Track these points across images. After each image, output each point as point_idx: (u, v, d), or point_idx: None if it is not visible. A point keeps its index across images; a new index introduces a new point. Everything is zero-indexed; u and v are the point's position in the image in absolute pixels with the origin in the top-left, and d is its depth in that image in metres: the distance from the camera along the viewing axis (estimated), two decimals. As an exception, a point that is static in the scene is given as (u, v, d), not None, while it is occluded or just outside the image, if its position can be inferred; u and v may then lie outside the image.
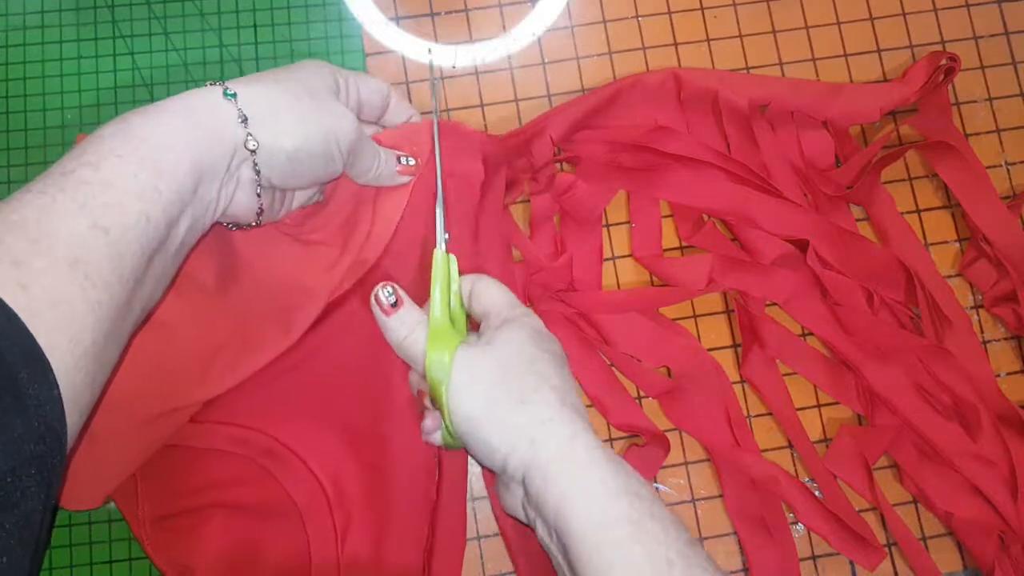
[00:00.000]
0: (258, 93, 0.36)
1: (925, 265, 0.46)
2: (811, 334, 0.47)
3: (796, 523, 0.45)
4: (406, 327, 0.39)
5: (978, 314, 0.48)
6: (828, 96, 0.48)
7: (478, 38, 0.50)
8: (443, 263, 0.40)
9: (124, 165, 0.31)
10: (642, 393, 0.46)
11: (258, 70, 0.49)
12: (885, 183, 0.48)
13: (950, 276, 0.48)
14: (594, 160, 0.47)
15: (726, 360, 0.46)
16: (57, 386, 0.27)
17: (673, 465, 0.45)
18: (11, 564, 0.26)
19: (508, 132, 0.47)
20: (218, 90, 0.35)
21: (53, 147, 0.48)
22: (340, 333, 0.43)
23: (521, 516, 0.37)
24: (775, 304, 0.47)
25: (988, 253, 0.47)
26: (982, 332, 0.47)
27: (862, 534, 0.42)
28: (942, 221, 0.49)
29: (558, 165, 0.48)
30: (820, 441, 0.46)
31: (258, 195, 0.37)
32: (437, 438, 0.40)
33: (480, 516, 0.45)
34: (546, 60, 0.50)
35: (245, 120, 0.35)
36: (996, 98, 0.50)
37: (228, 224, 0.40)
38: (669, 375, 0.46)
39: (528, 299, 0.46)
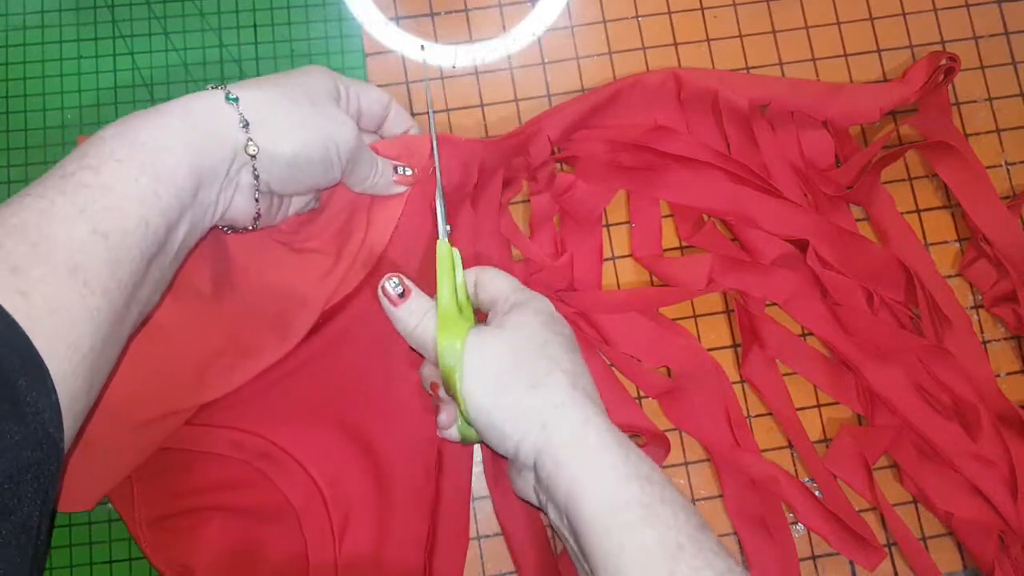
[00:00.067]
0: (259, 98, 0.36)
1: (925, 265, 0.46)
2: (811, 334, 0.47)
3: (796, 523, 0.45)
4: (415, 316, 0.39)
5: (978, 314, 0.48)
6: (828, 96, 0.48)
7: (478, 38, 0.50)
8: (447, 253, 0.40)
9: (125, 169, 0.31)
10: (642, 393, 0.46)
11: (258, 70, 0.49)
12: (885, 183, 0.48)
13: (950, 276, 0.48)
14: (594, 160, 0.47)
15: (726, 360, 0.47)
16: (55, 392, 0.28)
17: (673, 465, 0.45)
18: (9, 570, 0.26)
19: (506, 132, 0.47)
20: (220, 94, 0.35)
21: (53, 147, 0.48)
22: (337, 339, 0.43)
23: (533, 500, 0.37)
24: (775, 304, 0.47)
25: (988, 253, 0.47)
26: (982, 332, 0.47)
27: (862, 534, 0.42)
28: (942, 221, 0.49)
29: (558, 165, 0.48)
30: (820, 441, 0.46)
31: (256, 200, 0.37)
32: (454, 433, 0.40)
33: (480, 516, 0.45)
34: (546, 60, 0.50)
35: (246, 125, 0.35)
36: (996, 98, 0.50)
37: (225, 228, 0.40)
38: (669, 375, 0.46)
39: (528, 299, 0.46)
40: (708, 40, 0.50)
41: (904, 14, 0.51)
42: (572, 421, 0.34)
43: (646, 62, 0.50)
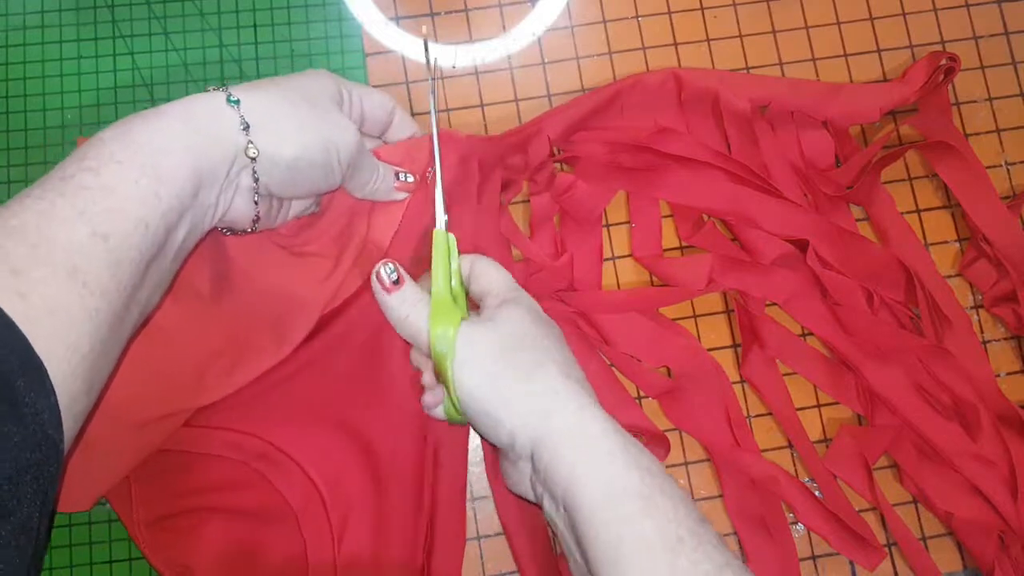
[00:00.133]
0: (260, 100, 0.36)
1: (925, 265, 0.46)
2: (811, 334, 0.47)
3: (796, 523, 0.45)
4: (407, 304, 0.39)
5: (978, 314, 0.48)
6: (828, 96, 0.48)
7: (478, 38, 0.50)
8: (443, 241, 0.40)
9: (125, 171, 0.31)
10: (642, 393, 0.46)
11: (258, 70, 0.49)
12: (885, 183, 0.48)
13: (950, 276, 0.48)
14: (594, 160, 0.47)
15: (726, 360, 0.47)
16: (54, 394, 0.28)
17: (673, 465, 0.45)
18: (9, 571, 0.26)
19: (506, 131, 0.47)
20: (221, 96, 0.35)
21: (53, 147, 0.48)
22: (337, 341, 0.43)
23: (528, 493, 0.37)
24: (775, 304, 0.47)
25: (988, 253, 0.47)
26: (982, 332, 0.47)
27: (862, 534, 0.43)
28: (942, 221, 0.49)
29: (557, 165, 0.48)
30: (820, 441, 0.46)
31: (255, 202, 0.37)
32: (440, 412, 0.40)
33: (480, 516, 0.45)
34: (546, 60, 0.50)
35: (247, 127, 0.35)
36: (996, 98, 0.50)
37: (224, 229, 0.40)
38: (669, 375, 0.46)
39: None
40: (708, 40, 0.50)
41: (904, 14, 0.51)
42: (567, 411, 0.34)
43: (646, 62, 0.50)
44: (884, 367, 0.45)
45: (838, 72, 0.50)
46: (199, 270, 0.40)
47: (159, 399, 0.38)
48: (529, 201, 0.47)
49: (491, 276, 0.40)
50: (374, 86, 0.47)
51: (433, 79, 0.43)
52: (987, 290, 0.47)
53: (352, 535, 0.41)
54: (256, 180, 0.36)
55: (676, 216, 0.48)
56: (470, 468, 0.45)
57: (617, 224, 0.48)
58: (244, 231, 0.39)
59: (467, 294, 0.41)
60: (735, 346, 0.47)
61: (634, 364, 0.46)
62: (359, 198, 0.42)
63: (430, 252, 0.40)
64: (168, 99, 0.35)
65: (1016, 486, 0.43)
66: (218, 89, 0.36)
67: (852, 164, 0.47)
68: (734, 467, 0.44)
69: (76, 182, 0.30)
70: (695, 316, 0.47)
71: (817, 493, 0.44)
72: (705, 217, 0.48)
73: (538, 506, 0.36)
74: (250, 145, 0.35)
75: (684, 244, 0.48)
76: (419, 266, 0.43)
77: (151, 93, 0.49)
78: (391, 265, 0.39)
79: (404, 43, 0.50)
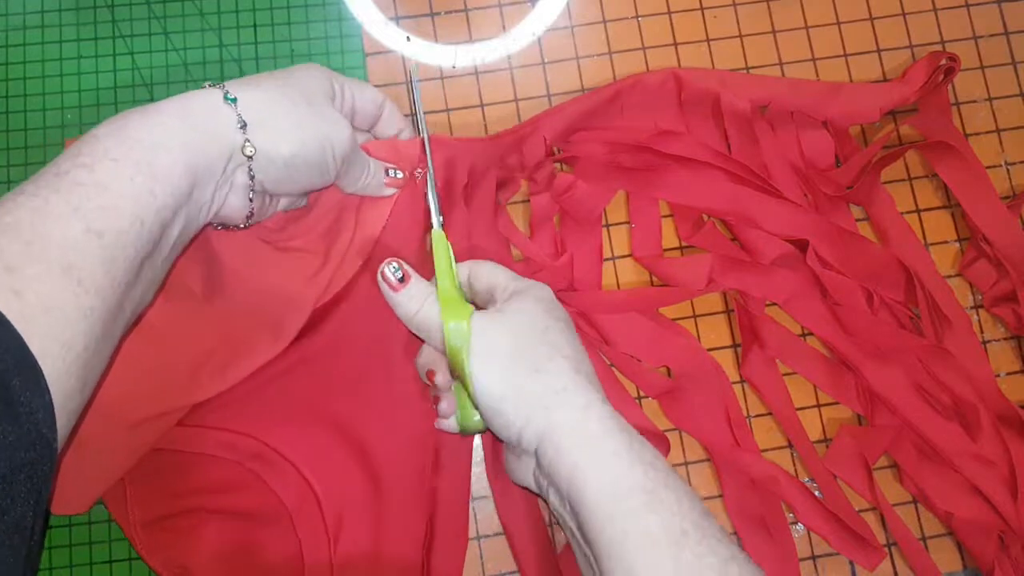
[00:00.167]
0: (257, 98, 0.36)
1: (925, 265, 0.46)
2: (811, 334, 0.47)
3: (796, 523, 0.45)
4: (416, 301, 0.39)
5: (978, 314, 0.48)
6: (828, 96, 0.48)
7: (478, 38, 0.50)
8: (442, 240, 0.40)
9: (120, 168, 0.31)
10: (642, 393, 0.46)
11: (258, 70, 0.49)
12: (885, 183, 0.48)
13: (950, 276, 0.48)
14: (593, 160, 0.47)
15: (726, 360, 0.46)
16: (48, 392, 0.27)
17: (673, 465, 0.45)
18: (3, 571, 0.26)
19: (501, 131, 0.47)
20: (218, 93, 0.35)
21: (53, 147, 0.48)
22: (331, 338, 0.43)
23: (532, 486, 0.37)
24: (775, 304, 0.47)
25: (988, 253, 0.47)
26: (982, 332, 0.47)
27: (862, 534, 0.42)
28: (942, 221, 0.49)
29: (557, 165, 0.48)
30: (820, 441, 0.46)
31: (250, 199, 0.37)
32: (452, 423, 0.40)
33: (480, 516, 0.45)
34: (546, 60, 0.50)
35: (244, 126, 0.35)
36: (996, 98, 0.50)
37: (216, 225, 0.39)
38: (669, 375, 0.46)
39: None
40: (708, 40, 0.50)
41: (904, 14, 0.51)
42: (574, 406, 0.34)
43: (646, 62, 0.50)
44: (884, 367, 0.44)
45: (838, 72, 0.50)
46: (191, 268, 0.40)
47: (152, 397, 0.38)
48: (529, 201, 0.47)
49: (492, 274, 0.40)
50: (375, 86, 0.47)
51: (410, 81, 0.43)
52: (987, 290, 0.47)
53: (349, 534, 0.41)
54: (252, 178, 0.36)
55: (676, 216, 0.48)
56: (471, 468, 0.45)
57: (617, 224, 0.48)
58: (237, 227, 0.39)
59: (467, 298, 0.41)
60: (735, 346, 0.47)
61: (634, 364, 0.46)
62: (349, 193, 0.42)
63: (429, 257, 0.40)
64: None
65: (1016, 486, 0.42)
66: (215, 86, 0.36)
67: (852, 164, 0.47)
68: (734, 467, 0.44)
69: (70, 178, 0.30)
70: (695, 316, 0.47)
71: (817, 493, 0.44)
72: (705, 217, 0.47)
73: (542, 498, 0.36)
74: (247, 143, 0.35)
75: (684, 244, 0.48)
76: (420, 272, 0.43)
77: (151, 93, 0.49)
78: (395, 264, 0.39)
79: (404, 43, 0.50)
